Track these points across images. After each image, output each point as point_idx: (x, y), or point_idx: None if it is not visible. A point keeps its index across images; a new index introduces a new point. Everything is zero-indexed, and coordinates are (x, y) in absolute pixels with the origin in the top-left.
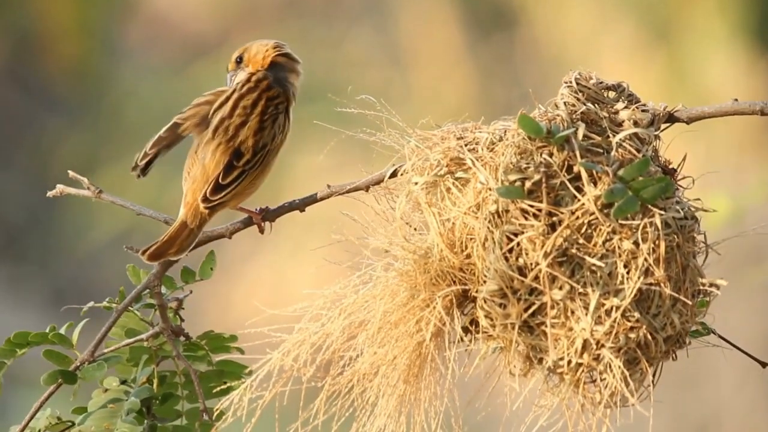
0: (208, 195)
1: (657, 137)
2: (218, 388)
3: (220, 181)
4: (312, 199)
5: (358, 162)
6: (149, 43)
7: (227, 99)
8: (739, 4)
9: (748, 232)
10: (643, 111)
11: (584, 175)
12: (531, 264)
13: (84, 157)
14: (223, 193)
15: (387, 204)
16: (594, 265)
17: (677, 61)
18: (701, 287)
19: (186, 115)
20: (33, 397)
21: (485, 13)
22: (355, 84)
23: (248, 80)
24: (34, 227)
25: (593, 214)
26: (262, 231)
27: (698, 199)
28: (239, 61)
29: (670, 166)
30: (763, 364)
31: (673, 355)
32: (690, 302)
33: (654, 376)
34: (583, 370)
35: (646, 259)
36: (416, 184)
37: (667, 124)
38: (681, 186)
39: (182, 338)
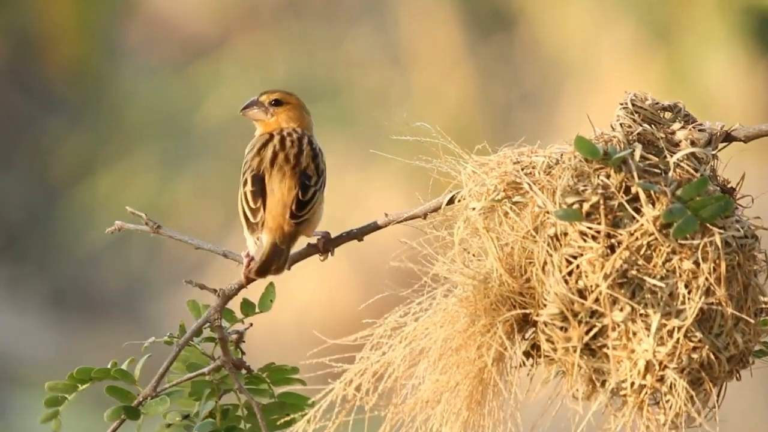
0: (294, 211)
1: (715, 157)
2: (281, 421)
3: (300, 198)
4: (370, 228)
5: (359, 164)
6: (149, 44)
7: (271, 138)
8: (738, 5)
9: None
10: (700, 131)
11: (642, 195)
12: (591, 286)
13: (84, 157)
14: (307, 208)
15: (444, 231)
16: (654, 285)
17: (677, 61)
18: (764, 306)
19: (254, 164)
20: (32, 397)
21: (485, 13)
22: (356, 84)
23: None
24: (34, 227)
25: (652, 234)
26: (323, 256)
27: (758, 218)
28: (275, 103)
29: (729, 185)
30: None
31: (737, 375)
32: (753, 321)
33: (718, 396)
34: (646, 392)
35: (706, 279)
36: (474, 209)
37: (725, 144)
38: (740, 205)
39: (244, 371)
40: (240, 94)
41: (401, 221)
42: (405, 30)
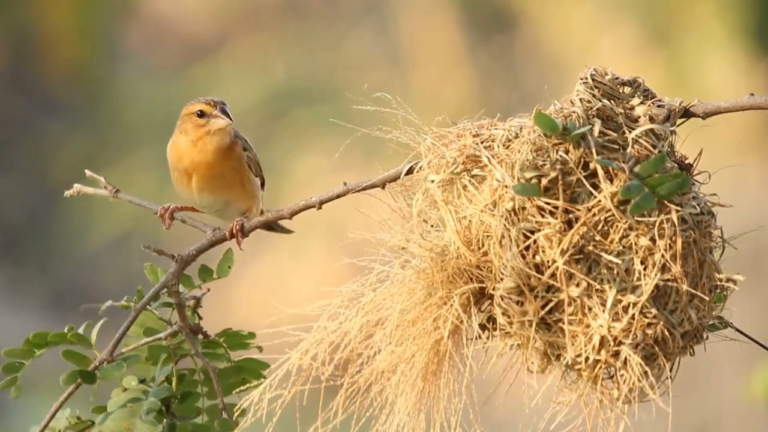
0: None
1: (673, 133)
2: (239, 388)
3: None
4: (329, 197)
5: (359, 163)
6: (149, 46)
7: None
8: (738, 5)
9: (767, 227)
10: (658, 106)
11: (600, 171)
12: (548, 261)
13: (84, 160)
14: None
15: (403, 201)
16: (611, 261)
17: (677, 62)
18: (718, 282)
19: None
20: (32, 399)
21: (485, 14)
22: (355, 86)
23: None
24: (34, 229)
25: (609, 210)
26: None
27: (714, 194)
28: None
29: (686, 162)
30: None
31: (691, 350)
32: (707, 297)
33: (671, 371)
34: (601, 367)
35: (662, 256)
36: (432, 181)
37: (683, 120)
38: (697, 181)
39: (201, 336)
40: (240, 96)
41: (360, 190)
42: (405, 31)
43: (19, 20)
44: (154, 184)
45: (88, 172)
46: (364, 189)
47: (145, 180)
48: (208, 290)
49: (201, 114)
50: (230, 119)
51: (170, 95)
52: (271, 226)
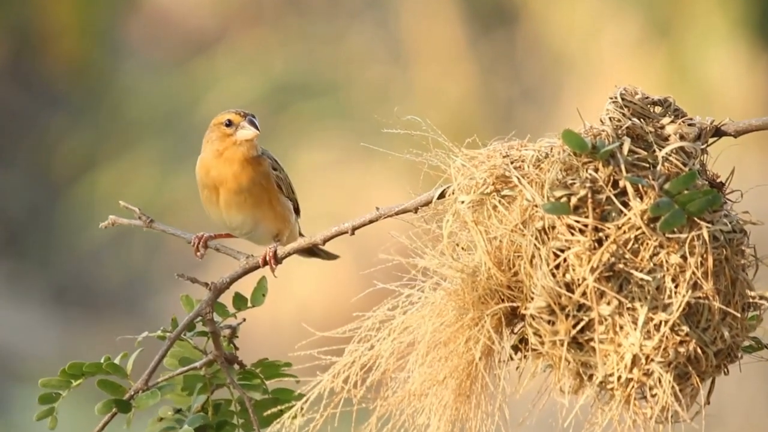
0: None
1: (704, 151)
2: (271, 412)
3: None
4: (362, 223)
5: (360, 158)
6: (150, 40)
7: None
8: (740, 0)
9: None
10: (689, 125)
11: (630, 189)
12: (578, 280)
13: (85, 154)
14: None
15: (434, 224)
16: (641, 279)
17: (678, 57)
18: (751, 300)
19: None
20: (34, 394)
21: (486, 9)
22: (356, 80)
23: None
24: (36, 224)
25: (639, 228)
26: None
27: (746, 212)
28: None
29: (718, 180)
30: None
31: (725, 370)
32: (740, 315)
33: (709, 392)
34: (633, 386)
35: (694, 273)
36: (462, 202)
37: (715, 138)
38: (729, 200)
39: (236, 366)
40: (240, 90)
41: (392, 215)
42: (406, 26)
43: (20, 15)
44: (155, 178)
45: (122, 203)
46: (397, 214)
47: (145, 174)
48: (244, 320)
49: (229, 123)
50: (257, 130)
51: (171, 89)
52: (314, 251)
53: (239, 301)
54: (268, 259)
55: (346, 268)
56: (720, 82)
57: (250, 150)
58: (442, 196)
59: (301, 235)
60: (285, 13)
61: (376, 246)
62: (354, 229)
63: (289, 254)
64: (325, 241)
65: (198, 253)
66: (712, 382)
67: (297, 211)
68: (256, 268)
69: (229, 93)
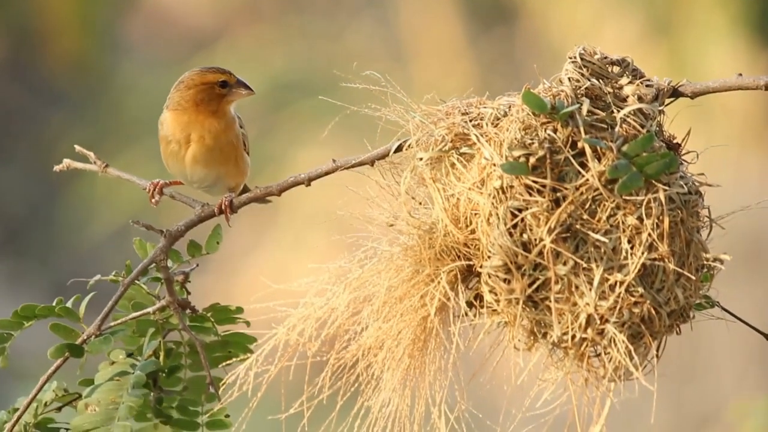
0: None
1: (661, 112)
2: (225, 362)
3: None
4: (318, 174)
5: (358, 152)
6: (150, 38)
7: None
8: None
9: (752, 206)
10: (647, 86)
11: (588, 150)
12: (535, 239)
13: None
14: None
15: (392, 179)
16: (598, 240)
17: (678, 54)
18: (705, 262)
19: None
20: (31, 391)
21: (486, 6)
22: (356, 78)
23: None
24: (35, 222)
25: (597, 189)
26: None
27: (702, 174)
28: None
29: (674, 141)
30: (766, 336)
31: (677, 329)
32: (694, 277)
33: (658, 350)
34: (587, 345)
35: (650, 235)
36: (421, 159)
37: (672, 99)
38: (685, 161)
39: (189, 311)
40: None
41: (349, 167)
42: (406, 23)
43: (20, 12)
44: (155, 175)
45: (77, 148)
46: (353, 166)
47: (145, 171)
48: (197, 265)
49: (224, 84)
50: (252, 90)
51: (171, 87)
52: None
53: (193, 249)
54: (223, 208)
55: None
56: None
57: (232, 110)
58: (399, 149)
59: (247, 188)
60: (285, 10)
61: (333, 199)
62: (310, 180)
63: (244, 203)
64: (281, 191)
65: (153, 200)
66: (664, 342)
67: None
68: (211, 216)
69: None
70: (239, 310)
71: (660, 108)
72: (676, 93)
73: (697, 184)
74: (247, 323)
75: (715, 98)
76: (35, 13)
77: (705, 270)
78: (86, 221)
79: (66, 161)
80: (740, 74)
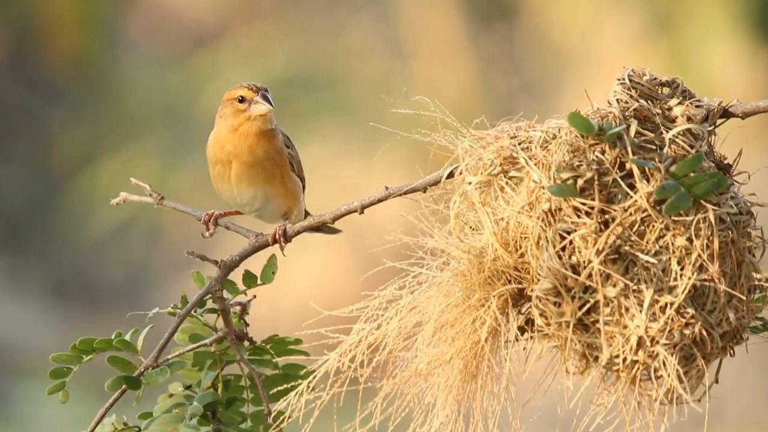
0: None
1: (712, 133)
2: (281, 389)
3: None
4: (370, 202)
5: (359, 151)
6: (150, 34)
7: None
8: None
9: None
10: (697, 107)
11: (636, 171)
12: (584, 262)
13: (85, 147)
14: None
15: (443, 204)
16: (647, 261)
17: (679, 50)
18: (758, 283)
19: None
20: (34, 387)
21: (486, 2)
22: (356, 74)
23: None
24: (36, 218)
25: (646, 210)
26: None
27: (753, 194)
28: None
29: (725, 162)
30: None
31: (731, 351)
32: (745, 298)
33: (716, 373)
34: (638, 368)
35: (699, 255)
36: (470, 183)
37: (722, 120)
38: (737, 181)
39: (246, 343)
40: None
41: (401, 194)
42: (406, 20)
43: (20, 9)
44: (156, 172)
45: (133, 180)
46: (406, 193)
47: (146, 168)
48: (254, 297)
49: (242, 99)
50: (271, 105)
51: (171, 83)
52: (319, 227)
53: (249, 279)
54: (277, 237)
55: (353, 250)
56: (720, 76)
57: (264, 124)
58: (451, 176)
59: (308, 214)
60: (285, 7)
61: (384, 226)
62: (363, 207)
63: (298, 232)
64: (334, 220)
65: (208, 232)
66: (719, 364)
67: (304, 189)
68: (265, 246)
69: (229, 87)
70: (297, 341)
71: (710, 128)
72: (726, 113)
73: (748, 204)
74: (306, 354)
75: (715, 94)
76: (36, 10)
77: (758, 291)
78: (86, 218)
79: (123, 194)
80: None
